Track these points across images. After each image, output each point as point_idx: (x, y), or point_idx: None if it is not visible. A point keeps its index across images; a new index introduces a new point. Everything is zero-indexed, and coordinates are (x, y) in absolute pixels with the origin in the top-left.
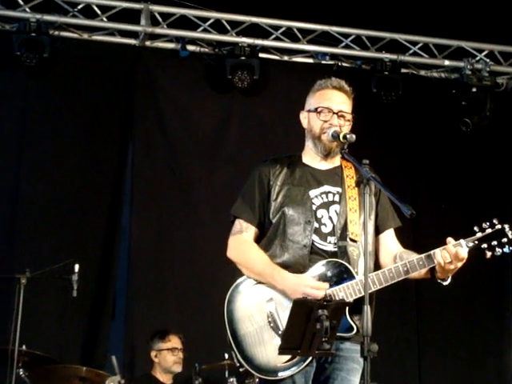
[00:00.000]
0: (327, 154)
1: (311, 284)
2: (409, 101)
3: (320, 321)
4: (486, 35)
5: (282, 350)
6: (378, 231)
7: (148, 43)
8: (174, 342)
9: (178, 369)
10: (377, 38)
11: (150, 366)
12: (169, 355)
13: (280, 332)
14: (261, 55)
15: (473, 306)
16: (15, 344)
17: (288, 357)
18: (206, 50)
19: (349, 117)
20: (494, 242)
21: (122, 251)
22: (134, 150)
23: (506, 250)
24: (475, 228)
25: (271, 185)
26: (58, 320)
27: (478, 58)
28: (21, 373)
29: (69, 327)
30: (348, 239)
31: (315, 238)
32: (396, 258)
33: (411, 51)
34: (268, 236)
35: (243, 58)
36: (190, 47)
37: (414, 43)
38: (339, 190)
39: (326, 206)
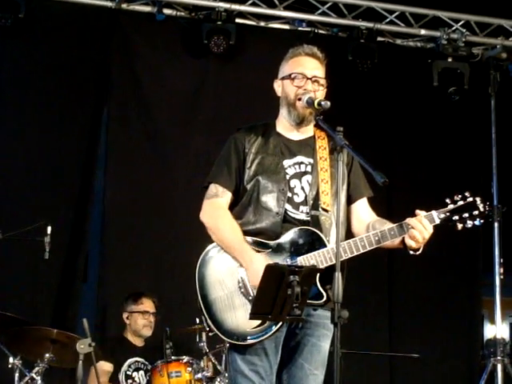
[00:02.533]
0: (300, 122)
1: None
2: (384, 69)
3: (291, 286)
4: (463, 5)
5: (253, 315)
6: (350, 200)
7: (124, 6)
8: (147, 305)
9: (148, 332)
10: (353, 6)
11: (123, 327)
12: (140, 318)
13: (250, 298)
14: (237, 20)
15: (445, 273)
16: None
17: (258, 322)
18: (183, 13)
19: (322, 82)
20: (466, 215)
21: (96, 214)
22: (108, 113)
23: (476, 222)
24: (447, 200)
25: (246, 152)
26: (29, 282)
27: (454, 28)
28: None
29: (40, 289)
30: (320, 209)
31: (288, 206)
32: (369, 227)
33: (388, 20)
34: (242, 203)
35: (219, 22)
36: (167, 11)
37: (391, 12)
38: (311, 160)
39: (298, 176)
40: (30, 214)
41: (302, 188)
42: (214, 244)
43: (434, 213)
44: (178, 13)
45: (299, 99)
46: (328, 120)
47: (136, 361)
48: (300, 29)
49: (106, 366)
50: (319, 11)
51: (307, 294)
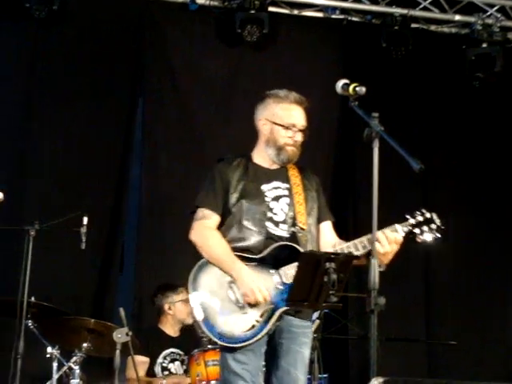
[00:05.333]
0: (287, 163)
1: (260, 287)
2: (419, 56)
3: (327, 273)
4: None
5: (290, 302)
6: (318, 221)
7: None
8: (185, 293)
9: (190, 320)
10: None
11: (156, 319)
12: (183, 306)
13: (240, 305)
14: (270, 9)
15: (482, 259)
16: (24, 296)
17: (248, 326)
18: (216, 3)
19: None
20: (425, 228)
21: (132, 204)
22: (144, 103)
23: (434, 235)
24: (407, 216)
25: (229, 180)
26: (66, 272)
27: (488, 13)
28: (29, 324)
29: (77, 279)
30: (297, 227)
31: (269, 224)
32: (335, 246)
33: (421, 6)
34: (227, 223)
35: (253, 11)
36: (200, 0)
37: None
38: (287, 185)
39: (277, 198)
40: (67, 204)
41: (281, 209)
42: (204, 260)
43: (397, 226)
44: (211, 2)
45: (288, 145)
46: (363, 107)
47: (171, 352)
48: (333, 16)
49: (142, 359)
50: None
51: (344, 281)
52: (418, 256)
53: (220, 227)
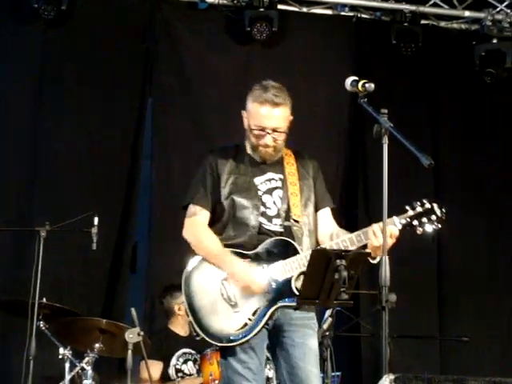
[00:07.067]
0: (263, 163)
1: (257, 278)
2: (428, 52)
3: (338, 271)
4: None
5: (301, 300)
6: (315, 210)
7: None
8: None
9: None
10: None
11: (166, 320)
12: None
13: (232, 303)
14: (279, 7)
15: (495, 256)
16: (35, 296)
17: (240, 325)
18: (225, 1)
19: (283, 129)
20: (424, 220)
21: (144, 204)
22: (154, 103)
23: (434, 226)
24: (407, 207)
25: (219, 173)
26: (78, 273)
27: (498, 9)
28: (41, 325)
29: (88, 280)
30: (291, 220)
31: (262, 220)
32: (333, 235)
33: (431, 2)
34: (221, 221)
35: (262, 9)
36: None
37: None
38: (281, 176)
39: (269, 191)
40: (77, 205)
41: (274, 202)
42: (196, 257)
43: (395, 218)
44: (220, 1)
45: (260, 146)
46: (372, 103)
47: (183, 352)
48: (343, 13)
49: (155, 364)
50: None
51: (354, 278)
52: (431, 250)
53: (213, 222)
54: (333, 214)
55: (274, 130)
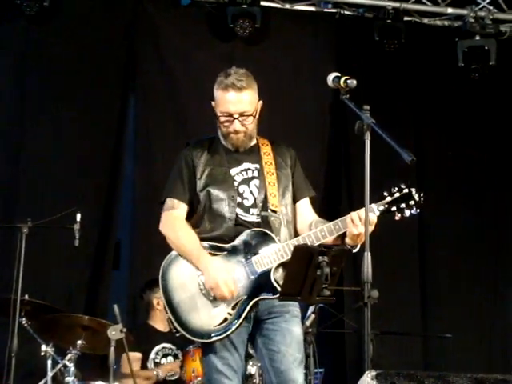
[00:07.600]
0: (236, 151)
1: (227, 280)
2: (411, 49)
3: (320, 267)
4: None
5: (283, 297)
6: (294, 200)
7: None
8: None
9: None
10: None
11: (146, 315)
12: None
13: (211, 298)
14: (262, 3)
15: (479, 252)
16: (17, 293)
17: (220, 320)
18: None
19: (251, 112)
20: (403, 205)
21: (126, 201)
22: (136, 98)
23: (413, 211)
24: (385, 193)
25: (195, 166)
26: (60, 269)
27: (481, 6)
28: (23, 322)
29: (71, 276)
30: (269, 210)
31: (239, 210)
32: (311, 225)
33: None
34: (197, 213)
35: (245, 6)
36: None
37: None
38: (257, 166)
39: (246, 181)
40: (59, 201)
41: (251, 192)
42: (174, 251)
43: (373, 206)
44: None
45: (230, 133)
46: (354, 100)
47: (163, 347)
48: (326, 10)
49: (135, 355)
50: None
51: (337, 274)
52: (413, 246)
53: (190, 215)
54: (313, 204)
55: (241, 115)
